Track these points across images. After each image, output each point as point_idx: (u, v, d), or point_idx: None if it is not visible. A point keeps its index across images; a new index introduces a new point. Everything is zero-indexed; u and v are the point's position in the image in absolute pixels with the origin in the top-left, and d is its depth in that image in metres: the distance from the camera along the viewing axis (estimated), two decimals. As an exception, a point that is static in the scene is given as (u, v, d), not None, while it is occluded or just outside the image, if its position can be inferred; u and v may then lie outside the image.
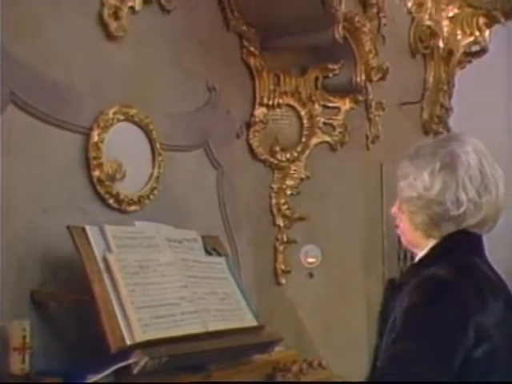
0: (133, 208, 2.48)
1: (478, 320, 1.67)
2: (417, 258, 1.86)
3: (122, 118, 2.44)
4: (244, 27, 2.97)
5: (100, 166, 2.37)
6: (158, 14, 2.63)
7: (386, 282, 1.97)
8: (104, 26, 2.41)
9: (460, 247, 1.79)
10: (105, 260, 2.16)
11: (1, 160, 2.07)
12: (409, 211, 1.83)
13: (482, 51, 3.78)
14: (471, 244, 1.81)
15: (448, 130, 3.79)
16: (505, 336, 1.71)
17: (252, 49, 3.01)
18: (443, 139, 1.87)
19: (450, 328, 1.65)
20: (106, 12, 2.40)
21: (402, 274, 1.87)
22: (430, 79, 3.71)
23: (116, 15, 2.44)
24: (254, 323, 2.46)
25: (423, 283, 1.71)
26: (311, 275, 3.15)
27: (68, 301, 2.19)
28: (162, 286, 2.26)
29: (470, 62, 3.82)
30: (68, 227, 2.13)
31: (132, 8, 2.50)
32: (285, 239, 3.13)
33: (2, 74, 2.03)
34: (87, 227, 2.18)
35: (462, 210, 1.76)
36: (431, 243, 1.82)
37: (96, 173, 2.36)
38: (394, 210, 1.89)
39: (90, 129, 2.35)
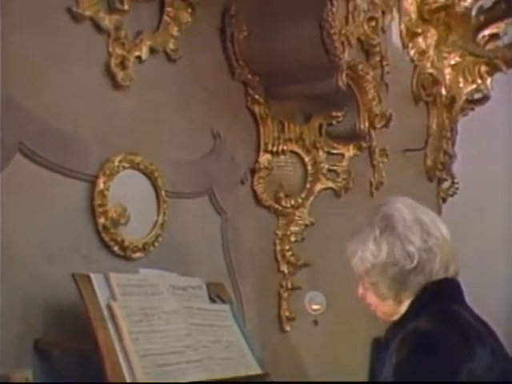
0: (137, 255, 2.49)
1: (470, 366, 1.67)
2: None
3: (127, 165, 2.47)
4: (249, 75, 3.01)
5: (105, 213, 2.39)
6: (164, 62, 2.67)
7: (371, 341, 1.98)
8: (111, 75, 2.45)
9: (437, 297, 1.82)
10: (109, 308, 2.16)
11: (7, 208, 2.09)
12: (371, 284, 1.89)
13: (485, 99, 3.82)
14: (447, 292, 1.85)
15: (452, 176, 3.80)
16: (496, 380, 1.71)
17: (257, 96, 3.05)
18: (374, 208, 1.95)
19: (443, 378, 1.65)
20: (113, 62, 2.44)
21: (386, 332, 1.88)
22: (433, 126, 3.75)
23: (123, 65, 2.48)
24: (259, 371, 2.45)
25: (408, 338, 1.74)
26: (316, 322, 3.14)
27: (72, 349, 2.19)
28: (166, 333, 2.26)
29: (472, 109, 3.85)
30: (73, 275, 2.14)
31: (139, 57, 2.55)
32: (289, 286, 3.12)
33: (10, 125, 2.06)
34: (92, 275, 2.18)
35: (415, 260, 1.82)
36: (405, 305, 1.86)
37: (101, 220, 2.38)
38: (360, 290, 1.95)
39: (96, 176, 2.37)
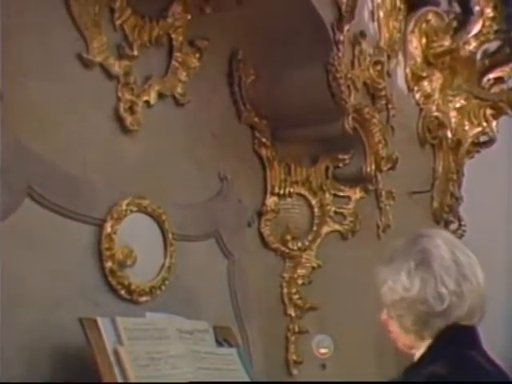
0: (144, 299, 2.48)
1: None
2: (415, 358, 1.86)
3: (135, 209, 2.48)
4: (256, 119, 3.03)
5: (112, 256, 2.39)
6: (172, 107, 2.70)
7: None
8: (120, 120, 2.47)
9: (454, 343, 1.79)
10: (116, 353, 2.15)
11: (15, 252, 2.10)
12: (396, 315, 1.85)
13: (491, 141, 3.84)
14: (465, 338, 1.81)
15: (459, 219, 3.80)
16: None
17: (263, 140, 3.07)
18: (413, 239, 1.89)
19: None
20: (121, 107, 2.47)
21: (401, 375, 1.86)
22: (440, 169, 3.76)
23: (131, 110, 2.50)
24: (266, 416, 2.43)
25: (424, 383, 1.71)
26: (324, 366, 3.11)
27: (78, 394, 2.17)
28: (173, 378, 2.24)
29: (478, 151, 3.87)
30: (80, 319, 2.14)
31: (147, 102, 2.57)
32: (296, 329, 3.10)
33: (19, 169, 2.09)
34: (99, 319, 2.18)
35: (446, 303, 1.78)
36: (426, 343, 1.83)
37: (108, 264, 2.38)
38: (384, 316, 1.91)
39: (104, 220, 2.38)
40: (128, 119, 2.49)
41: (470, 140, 3.77)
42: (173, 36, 2.65)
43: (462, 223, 3.82)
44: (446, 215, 3.77)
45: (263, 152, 3.09)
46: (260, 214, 3.09)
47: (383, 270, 1.87)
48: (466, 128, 3.75)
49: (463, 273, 1.80)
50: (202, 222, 2.79)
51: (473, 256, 1.86)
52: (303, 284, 3.14)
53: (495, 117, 3.75)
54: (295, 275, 3.14)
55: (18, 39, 2.18)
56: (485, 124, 3.74)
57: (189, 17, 2.65)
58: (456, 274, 1.79)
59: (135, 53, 2.49)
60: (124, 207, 2.44)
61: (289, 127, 3.07)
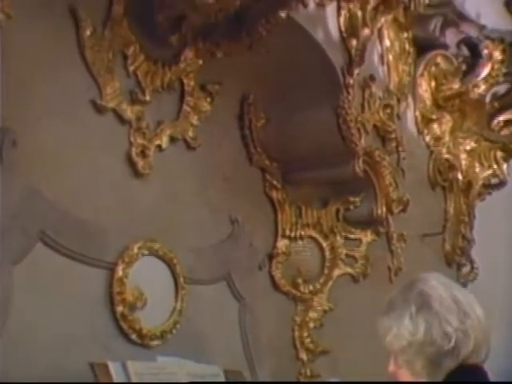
0: (155, 343, 2.47)
1: None
2: None
3: (146, 252, 2.48)
4: (266, 162, 3.05)
5: (123, 300, 2.39)
6: (183, 151, 2.72)
7: None
8: (132, 164, 2.49)
9: (465, 382, 1.80)
10: (126, 398, 2.13)
11: (27, 297, 2.10)
12: (405, 362, 1.85)
13: (501, 184, 3.84)
14: (475, 377, 1.82)
15: (471, 261, 3.78)
16: None
17: (274, 182, 3.08)
18: (408, 284, 1.92)
19: None
20: (133, 151, 2.49)
21: None
22: (451, 211, 3.75)
23: (143, 154, 2.52)
24: None
25: None
26: (336, 410, 3.08)
27: None
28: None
29: (489, 193, 3.87)
30: (91, 364, 2.13)
31: (159, 146, 2.59)
32: (308, 373, 3.08)
33: (31, 214, 2.10)
34: (110, 364, 2.17)
35: (453, 341, 1.79)
36: None
37: (119, 308, 2.38)
38: (391, 368, 1.91)
39: (115, 264, 2.39)
40: (140, 163, 2.50)
41: (480, 182, 3.77)
42: (185, 81, 2.68)
43: (475, 266, 3.80)
44: (458, 258, 3.76)
45: (274, 195, 3.10)
46: (271, 257, 3.09)
47: (385, 319, 1.89)
48: (477, 170, 3.76)
49: (464, 310, 1.82)
50: (214, 266, 2.79)
51: (469, 294, 1.90)
52: (315, 327, 3.12)
53: (506, 159, 3.76)
54: (307, 318, 3.12)
55: (32, 85, 2.21)
56: (495, 166, 3.75)
57: (200, 62, 2.68)
58: (457, 312, 1.81)
59: (147, 98, 2.52)
60: (135, 251, 2.44)
61: (299, 170, 3.08)
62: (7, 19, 1.94)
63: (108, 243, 2.38)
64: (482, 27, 3.60)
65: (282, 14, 2.45)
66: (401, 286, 1.94)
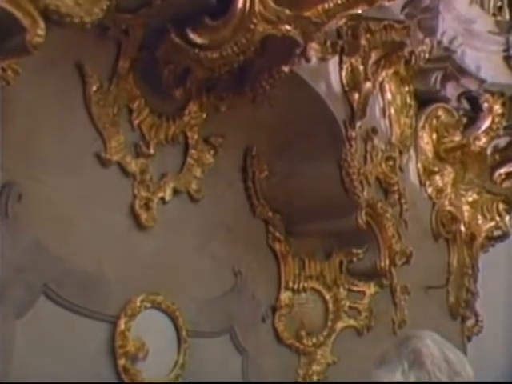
0: (157, 397, 2.45)
1: None
2: None
3: (148, 305, 2.48)
4: (270, 213, 3.06)
5: (126, 354, 2.37)
6: (186, 203, 2.73)
7: None
8: (135, 216, 2.50)
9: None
10: None
11: (29, 350, 2.09)
12: None
13: (504, 236, 3.84)
14: None
15: (476, 314, 3.76)
16: None
17: (277, 234, 3.08)
18: (402, 340, 1.95)
19: None
20: (137, 204, 2.50)
21: None
22: (454, 263, 3.75)
23: (147, 206, 2.53)
24: None
25: None
26: None
27: None
28: None
29: (493, 245, 3.86)
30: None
31: (162, 199, 2.60)
32: (312, 428, 3.03)
33: (36, 267, 2.10)
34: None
35: None
36: None
37: (121, 361, 2.37)
38: None
39: (117, 317, 2.38)
40: (143, 216, 2.51)
41: (483, 234, 3.78)
42: (188, 134, 2.71)
43: (479, 319, 3.78)
44: (462, 311, 3.73)
45: (277, 246, 3.10)
46: (274, 309, 3.07)
47: (377, 372, 1.91)
48: (480, 222, 3.77)
49: (454, 369, 1.87)
50: (216, 318, 2.77)
51: (460, 354, 1.94)
52: (318, 381, 3.09)
53: (508, 211, 3.77)
54: (310, 372, 3.09)
55: (37, 138, 2.24)
56: (498, 218, 3.76)
57: (204, 115, 2.71)
58: (448, 371, 1.86)
59: (151, 151, 2.55)
60: (138, 304, 2.44)
61: (302, 222, 3.09)
62: (15, 75, 1.97)
63: (111, 296, 2.38)
64: (482, 81, 3.64)
65: (285, 69, 2.49)
66: (396, 339, 2.00)
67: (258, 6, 2.23)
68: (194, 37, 2.29)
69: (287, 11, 2.25)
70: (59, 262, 2.21)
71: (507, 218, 3.78)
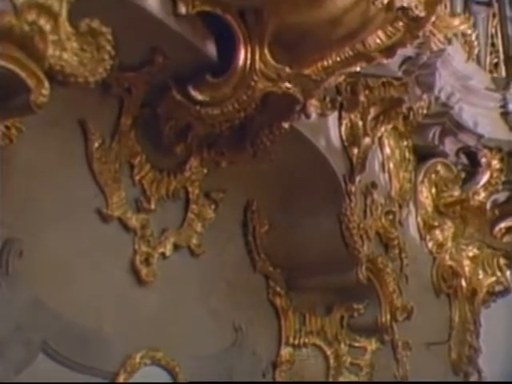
0: None
1: None
2: None
3: (148, 361, 2.46)
4: (270, 268, 3.05)
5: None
6: (187, 257, 2.73)
7: None
8: (135, 272, 2.50)
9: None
10: None
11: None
12: None
13: (506, 291, 3.82)
14: None
15: (478, 370, 3.72)
16: None
17: (278, 289, 3.07)
18: None
19: None
20: (138, 259, 2.50)
21: None
22: (456, 318, 3.72)
23: (147, 261, 2.53)
24: None
25: None
26: None
27: None
28: None
29: (494, 301, 3.84)
30: None
31: (163, 254, 2.60)
32: None
33: (35, 324, 2.09)
34: None
35: None
36: None
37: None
38: None
39: (117, 374, 2.36)
40: (143, 271, 2.51)
41: (485, 289, 3.76)
42: (189, 189, 2.72)
43: (482, 375, 3.73)
44: (465, 366, 3.69)
45: (278, 301, 3.08)
46: (275, 365, 3.04)
47: None
48: (481, 277, 3.76)
49: None
50: (217, 374, 2.74)
51: None
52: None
53: (509, 266, 3.76)
54: (314, 428, 3.04)
55: (39, 195, 2.25)
56: (499, 273, 3.75)
57: (205, 170, 2.73)
58: None
59: (152, 206, 2.56)
60: (138, 360, 2.42)
61: (303, 276, 3.08)
62: (18, 133, 1.99)
63: (110, 352, 2.36)
64: (480, 136, 3.67)
65: (286, 125, 2.51)
66: None
67: (258, 64, 2.26)
68: (195, 94, 2.32)
69: (287, 69, 2.28)
70: (59, 318, 2.20)
71: (508, 272, 3.77)
